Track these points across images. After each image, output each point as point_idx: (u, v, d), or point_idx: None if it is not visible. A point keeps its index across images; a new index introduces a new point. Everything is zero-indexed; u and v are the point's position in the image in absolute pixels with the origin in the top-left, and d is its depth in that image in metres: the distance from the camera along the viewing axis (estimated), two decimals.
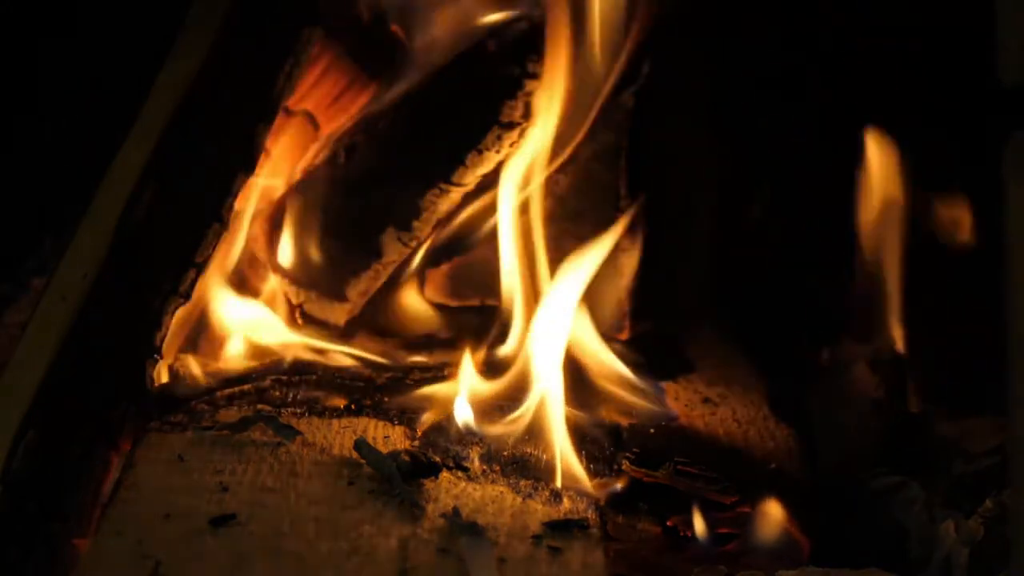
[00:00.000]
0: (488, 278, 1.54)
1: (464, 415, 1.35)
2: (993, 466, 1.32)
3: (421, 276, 1.60)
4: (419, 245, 1.54)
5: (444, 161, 1.49)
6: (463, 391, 1.38)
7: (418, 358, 1.55)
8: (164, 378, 1.41)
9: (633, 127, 1.53)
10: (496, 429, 1.35)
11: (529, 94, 1.45)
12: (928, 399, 1.46)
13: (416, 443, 1.34)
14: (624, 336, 1.57)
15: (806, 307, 1.59)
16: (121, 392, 1.32)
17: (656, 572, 1.23)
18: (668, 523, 1.29)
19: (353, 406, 1.42)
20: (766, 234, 1.62)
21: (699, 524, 1.26)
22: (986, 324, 0.98)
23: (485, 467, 1.29)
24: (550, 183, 1.52)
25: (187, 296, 1.37)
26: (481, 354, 1.46)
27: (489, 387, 1.41)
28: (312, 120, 1.55)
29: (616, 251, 1.52)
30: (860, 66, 1.55)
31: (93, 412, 1.29)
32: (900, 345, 1.48)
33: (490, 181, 1.51)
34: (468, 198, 1.53)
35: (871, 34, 1.54)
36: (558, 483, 1.28)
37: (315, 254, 1.55)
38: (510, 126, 1.46)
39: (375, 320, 1.57)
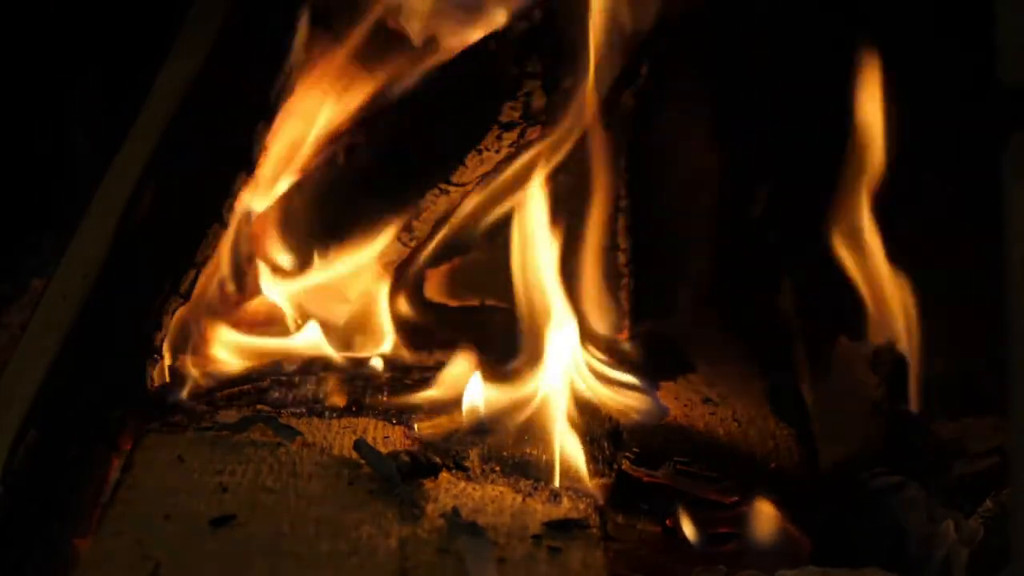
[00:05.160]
0: (488, 278, 1.54)
1: (473, 401, 1.36)
2: (993, 466, 1.33)
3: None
4: (420, 245, 1.54)
5: (444, 161, 1.49)
6: (473, 381, 1.38)
7: (418, 358, 1.55)
8: (164, 378, 1.41)
9: (633, 127, 1.53)
10: (499, 422, 1.35)
11: (529, 94, 1.45)
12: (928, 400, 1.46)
13: (416, 443, 1.34)
14: (624, 336, 1.57)
15: (806, 307, 1.59)
16: (121, 392, 1.32)
17: (656, 572, 1.23)
18: (668, 523, 1.29)
19: (353, 406, 1.42)
20: (766, 234, 1.62)
21: (687, 526, 1.26)
22: (986, 325, 0.98)
23: (485, 467, 1.29)
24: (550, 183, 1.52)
25: (187, 296, 1.38)
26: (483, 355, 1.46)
27: (491, 386, 1.41)
28: (312, 120, 1.54)
29: (615, 251, 1.53)
30: (860, 66, 1.55)
31: (93, 412, 1.29)
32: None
33: (490, 181, 1.51)
34: (468, 198, 1.53)
35: (871, 33, 1.54)
36: (555, 481, 1.28)
37: (315, 254, 1.55)
38: (510, 126, 1.46)
39: None
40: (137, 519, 1.16)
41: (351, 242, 1.53)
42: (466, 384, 1.39)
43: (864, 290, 1.53)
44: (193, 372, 1.44)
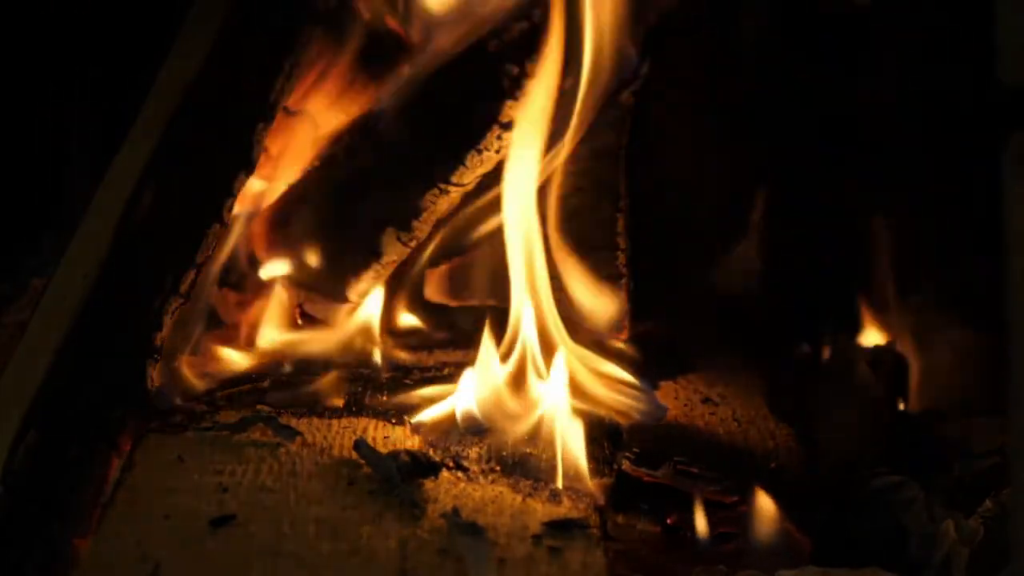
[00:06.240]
0: (488, 278, 1.54)
1: (467, 406, 1.36)
2: (993, 466, 1.33)
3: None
4: (419, 245, 1.54)
5: (444, 161, 1.49)
6: (467, 385, 1.38)
7: (418, 358, 1.55)
8: (164, 379, 1.40)
9: (633, 127, 1.53)
10: (497, 424, 1.35)
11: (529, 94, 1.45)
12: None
13: (416, 443, 1.34)
14: (624, 336, 1.57)
15: (806, 307, 1.59)
16: (121, 392, 1.32)
17: (656, 572, 1.23)
18: (668, 522, 1.29)
19: (353, 406, 1.42)
20: (766, 234, 1.62)
21: (700, 522, 1.27)
22: (986, 324, 0.98)
23: (485, 467, 1.29)
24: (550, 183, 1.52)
25: (187, 296, 1.37)
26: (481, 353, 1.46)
27: (491, 386, 1.40)
28: (312, 120, 1.55)
29: (615, 251, 1.53)
30: (860, 66, 1.55)
31: (93, 412, 1.29)
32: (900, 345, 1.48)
33: (490, 181, 1.51)
34: (468, 198, 1.53)
35: (872, 34, 1.54)
36: (559, 482, 1.28)
37: (315, 254, 1.55)
38: (510, 126, 1.46)
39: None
40: (137, 519, 1.16)
41: (351, 242, 1.54)
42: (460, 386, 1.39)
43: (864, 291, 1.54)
44: (192, 372, 1.44)
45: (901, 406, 1.46)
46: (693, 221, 1.62)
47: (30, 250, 1.53)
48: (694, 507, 1.29)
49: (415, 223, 1.51)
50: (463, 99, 1.49)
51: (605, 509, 1.26)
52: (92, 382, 1.31)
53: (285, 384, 1.46)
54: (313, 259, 1.55)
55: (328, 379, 1.47)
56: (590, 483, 1.30)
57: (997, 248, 0.92)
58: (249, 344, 1.53)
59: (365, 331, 1.54)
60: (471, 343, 1.47)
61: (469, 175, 1.49)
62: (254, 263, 1.57)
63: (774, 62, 1.56)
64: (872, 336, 1.53)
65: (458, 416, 1.36)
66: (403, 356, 1.55)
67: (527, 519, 1.18)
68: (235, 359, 1.49)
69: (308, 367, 1.50)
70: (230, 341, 1.53)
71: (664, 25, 1.48)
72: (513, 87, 1.45)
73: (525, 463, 1.31)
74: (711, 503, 1.30)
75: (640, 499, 1.32)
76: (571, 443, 1.34)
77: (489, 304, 1.57)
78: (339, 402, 1.43)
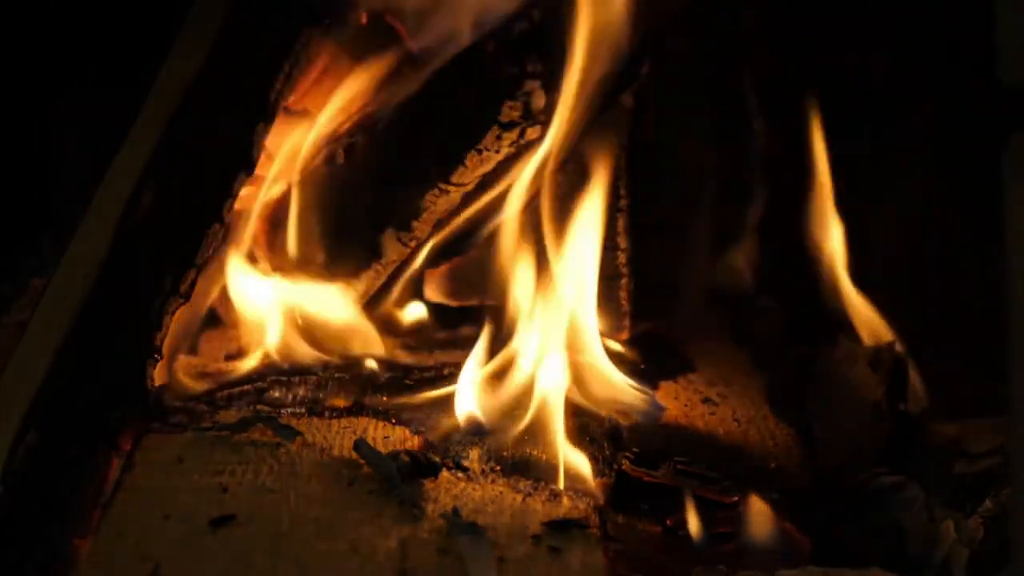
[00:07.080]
0: (488, 278, 1.53)
1: (467, 407, 1.36)
2: (993, 466, 1.33)
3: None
4: (419, 245, 1.54)
5: (444, 161, 1.49)
6: (465, 385, 1.38)
7: (418, 358, 1.55)
8: (164, 379, 1.41)
9: (633, 127, 1.53)
10: (499, 425, 1.35)
11: (529, 94, 1.45)
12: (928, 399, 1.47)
13: (416, 443, 1.34)
14: (624, 336, 1.57)
15: (806, 307, 1.59)
16: (121, 392, 1.32)
17: (656, 572, 1.23)
18: (668, 523, 1.29)
19: (353, 406, 1.42)
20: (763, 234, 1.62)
21: (693, 522, 1.27)
22: (986, 324, 0.98)
23: (485, 467, 1.29)
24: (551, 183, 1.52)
25: (187, 296, 1.37)
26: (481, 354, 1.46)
27: (491, 386, 1.40)
28: (312, 120, 1.55)
29: (615, 251, 1.53)
30: (860, 66, 1.55)
31: (93, 412, 1.29)
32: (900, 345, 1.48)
33: (490, 181, 1.51)
34: (468, 198, 1.53)
35: (871, 34, 1.54)
36: (560, 483, 1.28)
37: (315, 254, 1.55)
38: (510, 126, 1.46)
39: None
40: (137, 519, 1.16)
41: (351, 242, 1.54)
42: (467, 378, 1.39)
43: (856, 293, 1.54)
44: (192, 372, 1.44)
45: (901, 406, 1.46)
46: (693, 221, 1.62)
47: (30, 250, 1.53)
48: (691, 507, 1.29)
49: (415, 223, 1.51)
50: (463, 99, 1.49)
51: (605, 509, 1.26)
52: (92, 382, 1.31)
53: (285, 384, 1.46)
54: (313, 259, 1.55)
55: (328, 379, 1.47)
56: (590, 483, 1.30)
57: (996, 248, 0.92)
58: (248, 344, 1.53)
59: (365, 332, 1.54)
60: (471, 343, 1.47)
61: (469, 175, 1.49)
62: (254, 263, 1.57)
63: (772, 61, 1.56)
64: (872, 336, 1.53)
65: (460, 418, 1.36)
66: (403, 356, 1.55)
67: (527, 519, 1.18)
68: (235, 359, 1.50)
69: (308, 367, 1.50)
70: (230, 341, 1.53)
71: (665, 24, 1.48)
72: (513, 87, 1.45)
73: (525, 463, 1.31)
74: (711, 503, 1.30)
75: (640, 499, 1.32)
76: (571, 443, 1.34)
77: (489, 304, 1.57)
78: (339, 402, 1.44)
